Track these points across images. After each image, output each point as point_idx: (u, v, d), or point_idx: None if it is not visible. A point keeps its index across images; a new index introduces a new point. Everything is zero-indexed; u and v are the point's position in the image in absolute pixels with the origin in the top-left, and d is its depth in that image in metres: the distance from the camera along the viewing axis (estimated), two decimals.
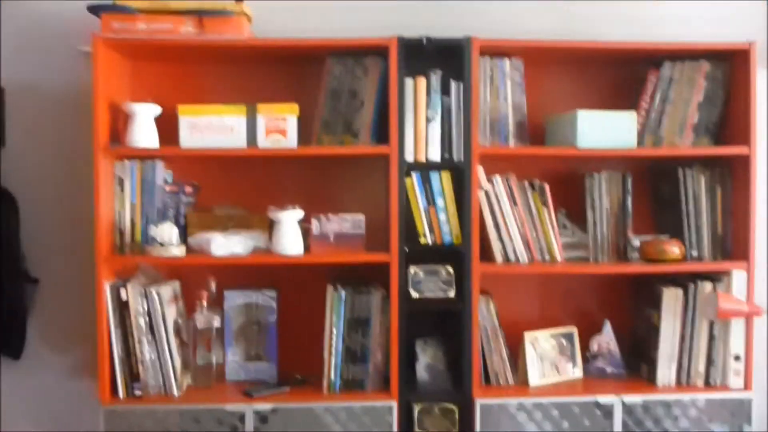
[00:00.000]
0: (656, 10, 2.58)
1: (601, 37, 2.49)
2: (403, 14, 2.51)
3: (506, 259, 2.38)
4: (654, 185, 2.57)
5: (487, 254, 2.37)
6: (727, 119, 2.43)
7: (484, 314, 2.37)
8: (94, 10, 2.24)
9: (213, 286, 2.42)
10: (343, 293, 2.31)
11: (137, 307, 2.27)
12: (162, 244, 2.26)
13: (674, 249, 2.36)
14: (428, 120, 2.28)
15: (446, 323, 2.39)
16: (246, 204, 2.49)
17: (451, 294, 2.32)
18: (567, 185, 2.53)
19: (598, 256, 2.44)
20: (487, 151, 2.32)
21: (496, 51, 2.35)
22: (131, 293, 2.27)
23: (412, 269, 2.31)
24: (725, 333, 2.37)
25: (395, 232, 2.27)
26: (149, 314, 2.28)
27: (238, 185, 2.52)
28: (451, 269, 2.32)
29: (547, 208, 2.40)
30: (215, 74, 2.50)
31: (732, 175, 2.42)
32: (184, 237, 2.38)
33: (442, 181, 2.31)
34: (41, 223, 2.54)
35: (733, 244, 2.42)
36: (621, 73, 2.54)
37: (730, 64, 2.41)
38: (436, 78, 2.28)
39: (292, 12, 2.52)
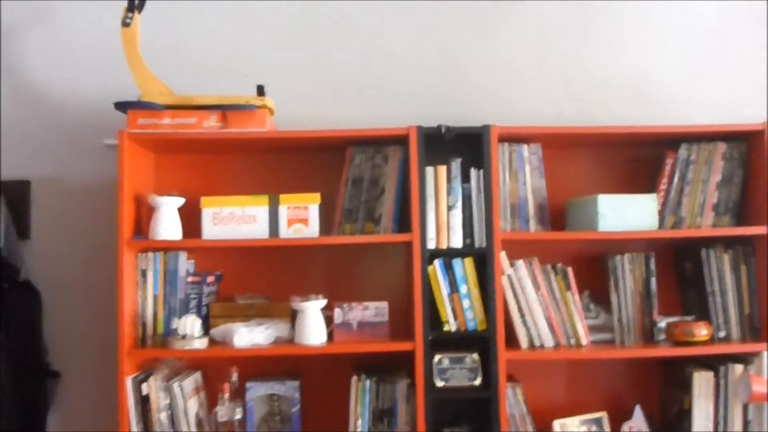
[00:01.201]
0: (671, 92, 2.63)
1: (617, 121, 2.54)
2: (421, 103, 2.57)
3: (531, 344, 2.35)
4: (677, 265, 2.55)
5: (512, 339, 2.34)
6: (747, 197, 2.44)
7: (512, 402, 2.32)
8: (121, 106, 2.29)
9: (235, 376, 2.39)
10: (367, 383, 2.28)
11: (159, 401, 2.24)
12: (184, 337, 2.25)
13: (702, 330, 2.33)
14: (449, 207, 2.30)
15: (473, 412, 2.34)
16: (268, 292, 2.49)
17: (477, 382, 2.28)
18: (590, 267, 2.52)
19: (624, 339, 2.40)
20: (509, 236, 2.32)
21: (514, 138, 2.39)
22: (153, 388, 2.24)
23: (437, 357, 2.28)
24: (760, 416, 2.31)
25: (419, 320, 2.25)
26: (171, 408, 2.25)
27: (260, 274, 2.52)
28: (476, 356, 2.29)
29: (570, 292, 2.38)
30: (238, 165, 2.54)
31: (755, 254, 2.41)
32: (206, 327, 2.37)
33: (465, 268, 2.30)
34: (64, 315, 2.54)
35: (761, 324, 2.39)
36: (638, 155, 2.56)
37: (746, 144, 2.43)
38: (456, 166, 2.31)
39: (313, 102, 2.58)
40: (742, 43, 2.65)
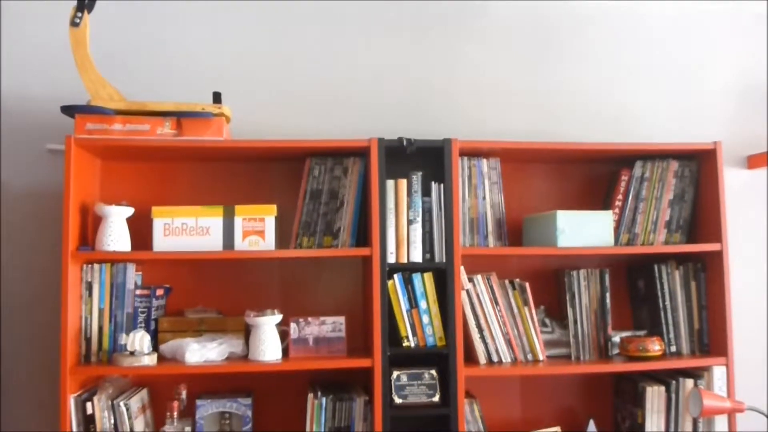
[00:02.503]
0: (628, 110, 2.67)
1: (575, 137, 2.56)
2: (382, 117, 2.54)
3: (489, 359, 2.34)
4: (630, 281, 2.59)
5: (469, 355, 2.32)
6: (698, 215, 2.49)
7: (469, 418, 2.30)
8: (68, 110, 2.18)
9: (184, 394, 2.29)
10: (323, 400, 2.22)
11: (104, 421, 2.13)
12: (132, 353, 2.14)
13: (655, 346, 2.36)
14: (410, 221, 2.27)
15: (432, 428, 2.31)
16: (221, 306, 2.41)
17: (436, 398, 2.25)
18: (545, 282, 2.53)
19: (580, 354, 2.42)
20: (469, 251, 2.31)
21: (474, 152, 2.38)
22: (97, 407, 2.13)
23: (395, 373, 2.25)
24: (709, 429, 2.36)
25: (378, 336, 2.21)
26: (116, 428, 2.14)
27: (211, 286, 2.44)
28: (435, 372, 2.27)
29: (528, 307, 2.38)
30: (192, 173, 2.45)
31: (705, 270, 2.47)
32: (155, 343, 2.27)
33: (425, 283, 2.28)
34: (4, 329, 2.38)
35: (711, 339, 2.44)
36: (594, 171, 2.60)
37: (697, 163, 2.49)
38: (416, 179, 2.28)
39: (272, 111, 2.51)
40: (696, 63, 2.72)
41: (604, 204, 2.55)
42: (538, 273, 2.54)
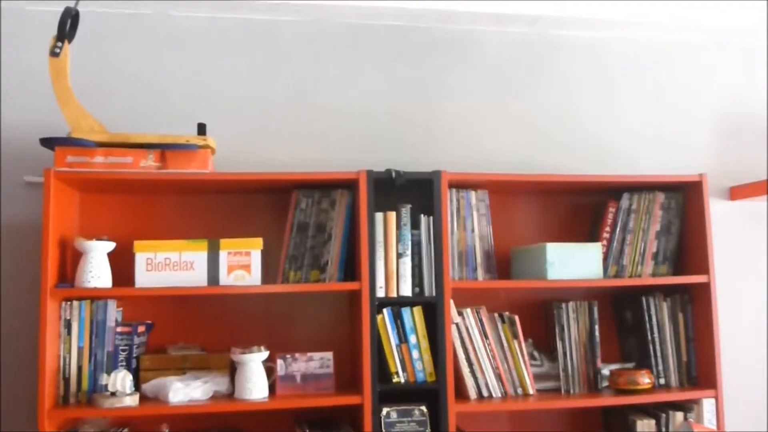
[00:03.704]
0: (615, 142, 2.68)
1: (563, 169, 2.56)
2: (369, 149, 2.51)
3: (479, 393, 2.30)
4: (618, 312, 2.58)
5: (459, 389, 2.28)
6: (684, 247, 2.50)
7: None
8: (48, 143, 2.12)
9: None
10: None
11: None
12: (114, 394, 2.07)
13: (645, 379, 2.35)
14: (399, 255, 2.24)
15: None
16: (204, 341, 2.34)
17: None
18: (533, 314, 2.51)
19: (570, 387, 2.39)
20: (459, 285, 2.28)
21: (463, 184, 2.36)
22: None
23: (385, 410, 2.20)
24: None
25: (367, 372, 2.16)
26: None
27: (195, 322, 2.37)
28: (425, 409, 2.22)
29: (517, 340, 2.36)
30: (176, 206, 2.39)
31: (693, 302, 2.47)
32: (137, 382, 2.19)
33: (414, 317, 2.24)
34: None
35: (699, 371, 2.43)
36: (581, 201, 2.60)
37: (683, 195, 2.51)
38: (405, 212, 2.26)
39: (258, 143, 2.47)
40: (681, 93, 2.75)
41: (591, 235, 2.55)
42: (526, 305, 2.52)
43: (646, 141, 2.70)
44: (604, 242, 2.47)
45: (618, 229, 2.47)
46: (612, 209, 2.49)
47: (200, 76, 2.48)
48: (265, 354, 2.19)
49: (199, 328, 2.37)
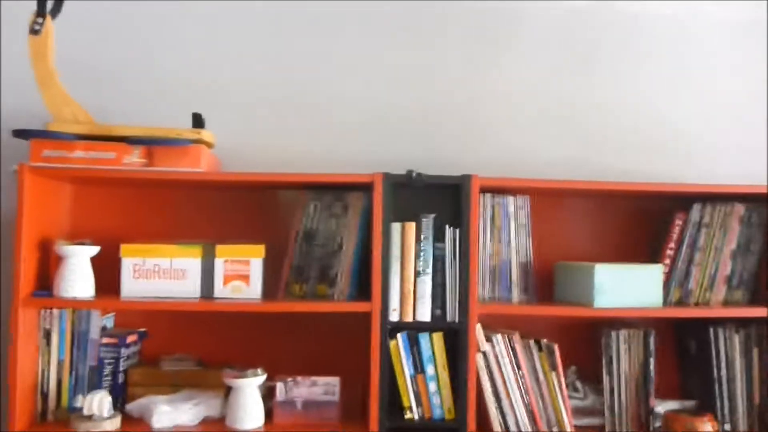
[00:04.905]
0: (684, 141, 2.26)
1: (617, 166, 2.19)
2: (388, 144, 2.18)
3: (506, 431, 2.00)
4: (680, 342, 2.21)
5: (482, 427, 1.98)
6: (766, 269, 2.10)
7: None
8: (22, 134, 1.88)
9: None
10: None
11: None
12: (91, 417, 1.86)
13: (706, 427, 1.99)
14: (417, 273, 1.92)
15: None
16: (202, 352, 2.11)
17: None
18: (577, 338, 2.17)
19: (617, 428, 2.06)
20: (488, 309, 1.95)
21: (498, 190, 2.02)
22: None
23: None
24: None
25: (375, 406, 1.89)
26: None
27: (192, 330, 2.12)
28: None
29: (555, 372, 2.03)
30: (170, 201, 2.13)
31: None
32: (123, 398, 1.99)
33: (433, 345, 1.94)
34: None
35: None
36: (642, 210, 2.21)
37: None
38: (427, 223, 1.93)
39: (265, 135, 2.18)
40: None
41: (651, 250, 2.17)
42: (569, 328, 2.17)
43: (725, 142, 2.26)
44: (668, 261, 2.09)
45: (685, 245, 2.08)
46: (679, 222, 2.09)
47: (201, 60, 2.18)
48: (261, 378, 1.93)
49: (196, 338, 2.13)
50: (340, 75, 2.20)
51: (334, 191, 2.01)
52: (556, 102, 2.24)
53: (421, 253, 1.93)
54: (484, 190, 2.00)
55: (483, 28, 2.23)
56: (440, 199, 1.98)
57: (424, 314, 1.93)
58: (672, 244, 2.09)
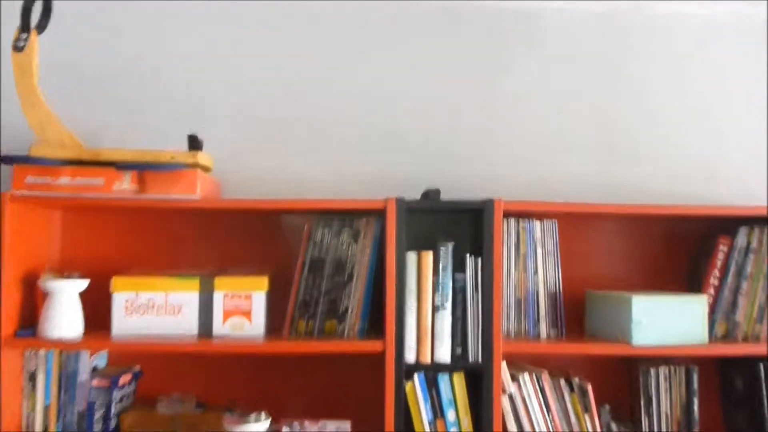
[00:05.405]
0: (725, 155, 2.07)
1: (651, 183, 2.02)
2: (403, 164, 2.00)
3: None
4: (725, 379, 2.01)
5: None
6: None
7: None
8: (4, 160, 1.73)
9: None
10: None
11: None
12: None
13: None
14: (436, 308, 1.74)
15: None
16: (202, 392, 1.93)
17: None
18: (612, 373, 1.98)
19: None
20: (514, 348, 1.77)
21: (523, 213, 1.84)
22: None
23: None
24: None
25: None
26: None
27: (191, 368, 1.95)
28: None
29: (589, 414, 1.84)
30: (164, 229, 1.97)
31: None
32: None
33: (454, 387, 1.75)
34: None
35: None
36: (681, 232, 2.02)
37: None
38: (446, 252, 1.75)
39: (266, 153, 2.01)
40: None
41: (691, 277, 1.98)
42: (601, 363, 1.98)
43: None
44: (711, 290, 1.89)
45: (730, 273, 1.89)
46: (723, 248, 1.90)
47: (199, 75, 2.01)
48: (265, 424, 1.76)
49: (195, 376, 1.96)
50: (349, 91, 2.03)
51: (344, 216, 1.84)
52: (582, 113, 2.06)
53: (440, 286, 1.75)
54: (507, 215, 1.83)
55: (500, 32, 2.06)
56: (459, 225, 1.82)
57: (444, 353, 1.74)
58: (716, 272, 1.90)
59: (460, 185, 1.94)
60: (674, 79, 2.08)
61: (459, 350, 1.76)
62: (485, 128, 2.04)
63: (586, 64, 2.07)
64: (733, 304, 1.89)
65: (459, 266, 1.77)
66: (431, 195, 1.79)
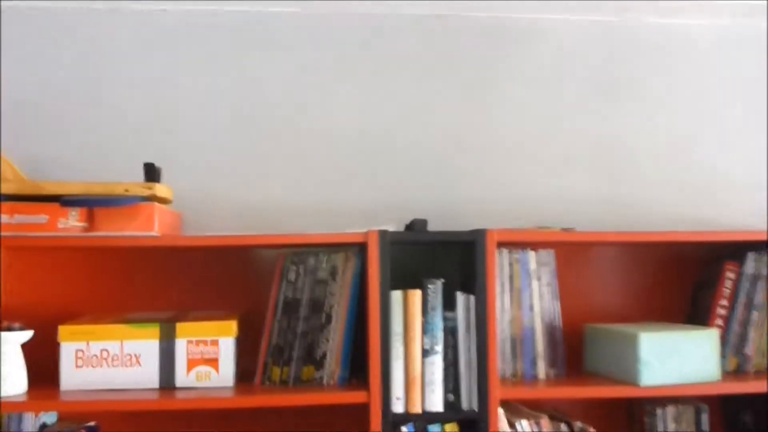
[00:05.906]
0: (732, 175, 1.94)
1: (650, 204, 1.90)
2: (386, 191, 1.82)
3: None
4: (731, 413, 1.87)
5: None
6: None
7: None
8: None
9: None
10: None
11: None
12: None
13: None
14: (425, 352, 1.57)
15: None
16: None
17: None
18: (615, 415, 1.83)
19: None
20: (511, 394, 1.61)
21: (517, 244, 1.69)
22: None
23: None
24: None
25: None
26: None
27: (151, 424, 1.76)
28: None
29: None
30: (120, 268, 1.78)
31: None
32: None
33: None
34: None
35: None
36: (682, 262, 1.88)
37: None
38: (434, 289, 1.59)
39: (233, 183, 1.83)
40: None
41: (695, 306, 1.84)
42: (604, 403, 1.83)
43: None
44: (720, 321, 1.76)
45: (739, 303, 1.75)
46: (730, 275, 1.77)
47: (158, 98, 1.82)
48: None
49: (160, 429, 1.76)
50: (324, 114, 1.86)
51: (320, 252, 1.66)
52: (579, 136, 1.91)
53: (429, 327, 1.58)
54: (501, 245, 1.67)
55: (490, 53, 1.91)
56: (448, 260, 1.65)
57: (435, 402, 1.57)
58: (723, 301, 1.76)
59: (448, 214, 1.77)
60: (678, 99, 1.95)
61: (451, 398, 1.59)
62: (475, 152, 1.87)
63: (584, 82, 1.93)
64: (742, 337, 1.75)
65: (449, 304, 1.60)
66: (417, 226, 1.63)
